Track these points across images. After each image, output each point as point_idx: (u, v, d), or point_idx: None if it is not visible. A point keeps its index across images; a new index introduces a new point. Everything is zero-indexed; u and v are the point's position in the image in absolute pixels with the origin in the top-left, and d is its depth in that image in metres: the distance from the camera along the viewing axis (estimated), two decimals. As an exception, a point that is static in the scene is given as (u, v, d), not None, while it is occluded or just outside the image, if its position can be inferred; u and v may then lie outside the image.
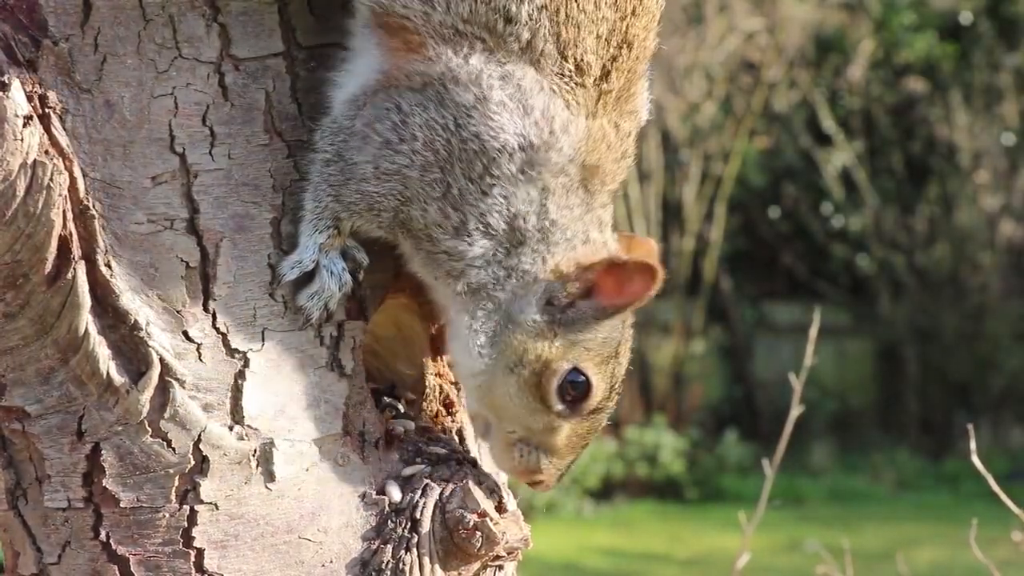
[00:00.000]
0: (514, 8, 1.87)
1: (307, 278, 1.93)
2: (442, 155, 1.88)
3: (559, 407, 1.96)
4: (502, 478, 2.12)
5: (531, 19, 1.87)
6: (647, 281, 1.92)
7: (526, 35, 1.88)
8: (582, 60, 1.90)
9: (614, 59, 1.93)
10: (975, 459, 2.83)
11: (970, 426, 2.92)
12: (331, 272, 1.93)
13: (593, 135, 1.93)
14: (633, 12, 1.93)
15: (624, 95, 1.96)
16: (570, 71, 1.90)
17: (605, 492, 13.74)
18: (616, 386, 2.01)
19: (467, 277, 1.93)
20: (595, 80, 1.92)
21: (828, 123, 16.23)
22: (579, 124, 1.91)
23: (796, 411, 3.20)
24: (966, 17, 16.45)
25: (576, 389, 1.96)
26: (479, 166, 1.88)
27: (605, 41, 1.91)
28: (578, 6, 1.88)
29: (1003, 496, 2.79)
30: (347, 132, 1.91)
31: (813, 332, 3.30)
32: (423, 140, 1.88)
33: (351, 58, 1.93)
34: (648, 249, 2.06)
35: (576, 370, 1.95)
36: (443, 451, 2.07)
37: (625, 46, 1.93)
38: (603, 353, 1.97)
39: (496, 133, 1.88)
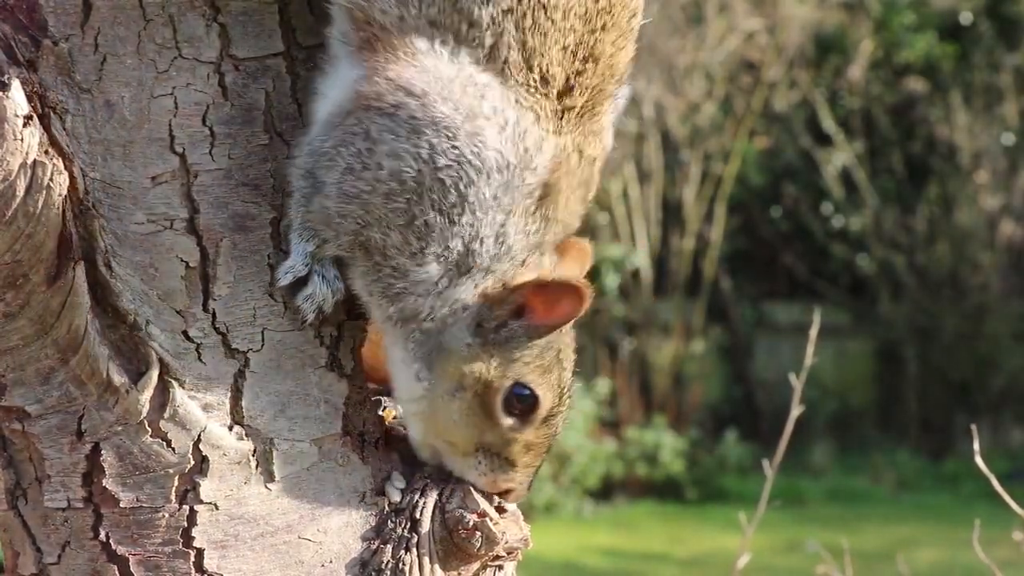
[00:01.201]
0: (476, 11, 1.82)
1: (303, 281, 1.92)
2: (409, 186, 1.83)
3: (509, 422, 1.94)
4: (502, 478, 2.11)
5: (494, 23, 1.82)
6: (575, 301, 1.88)
7: (489, 40, 1.83)
8: (547, 71, 1.85)
9: (579, 73, 1.87)
10: (978, 460, 2.82)
11: (973, 427, 2.91)
12: (324, 278, 1.92)
13: (557, 154, 1.88)
14: (603, 27, 1.87)
15: (588, 113, 1.90)
16: (535, 82, 1.85)
17: (605, 492, 13.75)
18: (566, 391, 1.97)
19: (401, 302, 1.89)
20: (558, 93, 1.87)
21: (828, 123, 16.23)
22: (549, 141, 1.87)
23: (796, 411, 3.20)
24: (966, 17, 16.46)
25: (523, 402, 1.93)
26: (453, 195, 1.83)
27: (571, 53, 1.86)
28: (545, 13, 1.83)
29: (1007, 497, 2.79)
30: (319, 153, 1.88)
31: (813, 332, 3.30)
32: (389, 170, 1.83)
33: (332, 69, 1.90)
34: (579, 253, 2.01)
35: (519, 384, 1.92)
36: (443, 451, 2.07)
37: (591, 60, 1.88)
38: (543, 363, 1.93)
39: (478, 150, 1.82)
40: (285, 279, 1.91)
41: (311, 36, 1.95)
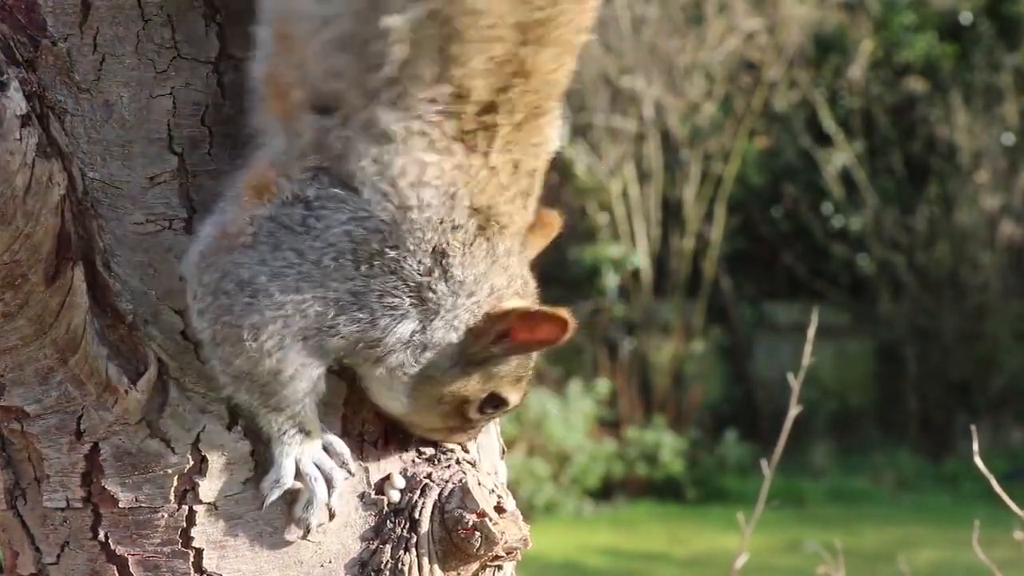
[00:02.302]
0: (390, 19, 1.69)
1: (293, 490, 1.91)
2: (305, 287, 1.78)
3: (476, 417, 1.96)
4: (501, 478, 2.12)
5: (413, 31, 1.69)
6: (557, 330, 1.85)
7: (398, 56, 1.70)
8: (461, 84, 1.72)
9: (504, 89, 1.75)
10: (977, 460, 2.82)
11: (973, 427, 2.91)
12: (316, 479, 1.89)
13: (475, 173, 1.77)
14: (539, 41, 1.74)
15: (525, 127, 1.79)
16: (445, 97, 1.73)
17: (605, 492, 13.75)
18: (528, 382, 1.99)
19: (386, 362, 1.85)
20: (478, 111, 1.75)
21: (828, 123, 16.24)
22: (446, 164, 1.75)
23: (795, 411, 3.20)
24: (966, 17, 16.46)
25: (495, 406, 1.95)
26: (348, 266, 1.78)
27: (497, 65, 1.73)
28: (468, 20, 1.70)
29: (1006, 498, 2.79)
30: (212, 345, 1.83)
31: (811, 332, 3.30)
32: (279, 288, 1.78)
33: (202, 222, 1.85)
34: (545, 227, 1.95)
35: (494, 395, 1.93)
36: (442, 451, 2.07)
37: (521, 76, 1.75)
38: (518, 374, 1.94)
39: (337, 233, 1.76)
40: (273, 494, 1.89)
41: (310, 36, 1.94)
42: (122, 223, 1.87)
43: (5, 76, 1.78)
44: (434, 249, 1.79)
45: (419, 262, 1.79)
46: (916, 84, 16.65)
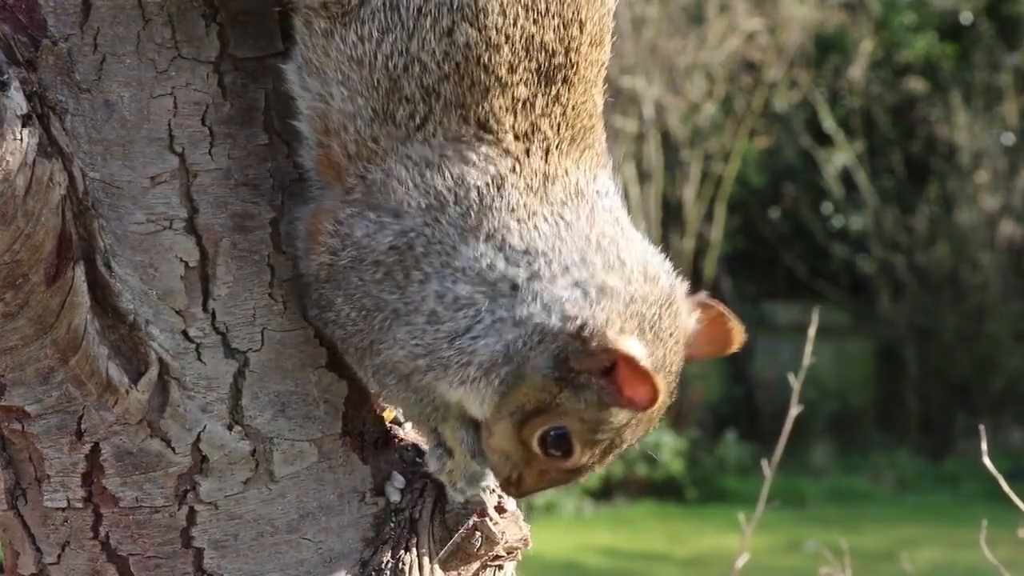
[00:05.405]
0: (408, 86, 1.79)
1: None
2: (368, 303, 1.84)
3: (538, 451, 1.85)
4: (502, 478, 2.12)
5: (429, 94, 1.79)
6: (647, 397, 1.77)
7: (422, 112, 1.80)
8: (487, 122, 1.80)
9: (544, 115, 1.83)
10: (986, 460, 2.82)
11: (981, 428, 2.90)
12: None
13: (527, 173, 1.82)
14: (566, 81, 1.82)
15: (576, 142, 1.86)
16: (472, 132, 1.81)
17: (605, 492, 13.76)
18: (605, 460, 1.89)
19: (479, 355, 1.82)
20: (515, 136, 1.82)
21: (828, 123, 16.25)
22: (490, 168, 1.81)
23: (795, 411, 3.20)
24: (966, 17, 16.48)
25: (559, 448, 1.85)
26: (399, 274, 1.81)
27: (527, 104, 1.81)
28: (486, 72, 1.78)
29: (1014, 497, 2.78)
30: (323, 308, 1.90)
31: (812, 332, 3.30)
32: (343, 299, 1.86)
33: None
34: (726, 339, 1.93)
35: (564, 430, 1.83)
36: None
37: (558, 105, 1.83)
38: (597, 432, 1.83)
39: (383, 251, 1.82)
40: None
41: (311, 36, 1.94)
42: (123, 223, 1.87)
43: (6, 76, 1.77)
44: (488, 233, 1.80)
45: (473, 248, 1.80)
46: (916, 84, 16.67)
